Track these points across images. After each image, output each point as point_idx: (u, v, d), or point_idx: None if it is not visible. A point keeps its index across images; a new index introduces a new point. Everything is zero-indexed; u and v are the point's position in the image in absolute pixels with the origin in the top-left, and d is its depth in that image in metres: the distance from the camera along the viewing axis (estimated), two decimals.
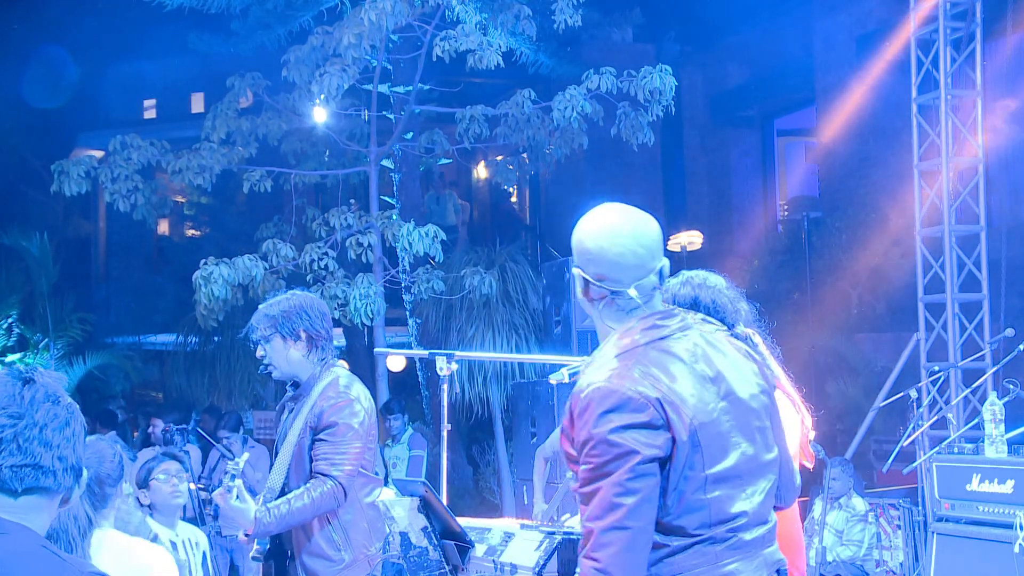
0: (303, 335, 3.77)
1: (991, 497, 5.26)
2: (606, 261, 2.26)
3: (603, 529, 2.08)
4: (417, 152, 10.86)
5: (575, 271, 2.31)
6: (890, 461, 5.90)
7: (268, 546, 3.76)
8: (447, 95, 10.72)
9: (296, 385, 3.84)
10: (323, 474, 3.61)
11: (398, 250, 9.47)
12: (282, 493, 3.73)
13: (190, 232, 17.90)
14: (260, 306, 3.92)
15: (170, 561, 3.27)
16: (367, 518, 3.76)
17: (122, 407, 12.02)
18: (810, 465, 3.02)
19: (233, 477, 3.52)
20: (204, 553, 4.47)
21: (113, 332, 14.27)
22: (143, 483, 4.46)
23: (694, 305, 2.86)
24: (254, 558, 3.77)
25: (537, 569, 3.77)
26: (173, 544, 4.34)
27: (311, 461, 3.67)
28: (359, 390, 3.76)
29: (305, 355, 3.78)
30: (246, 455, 3.84)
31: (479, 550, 3.94)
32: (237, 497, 3.52)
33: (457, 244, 11.96)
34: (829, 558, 7.07)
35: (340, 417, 3.65)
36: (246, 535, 3.66)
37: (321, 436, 3.65)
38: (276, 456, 3.79)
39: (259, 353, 3.84)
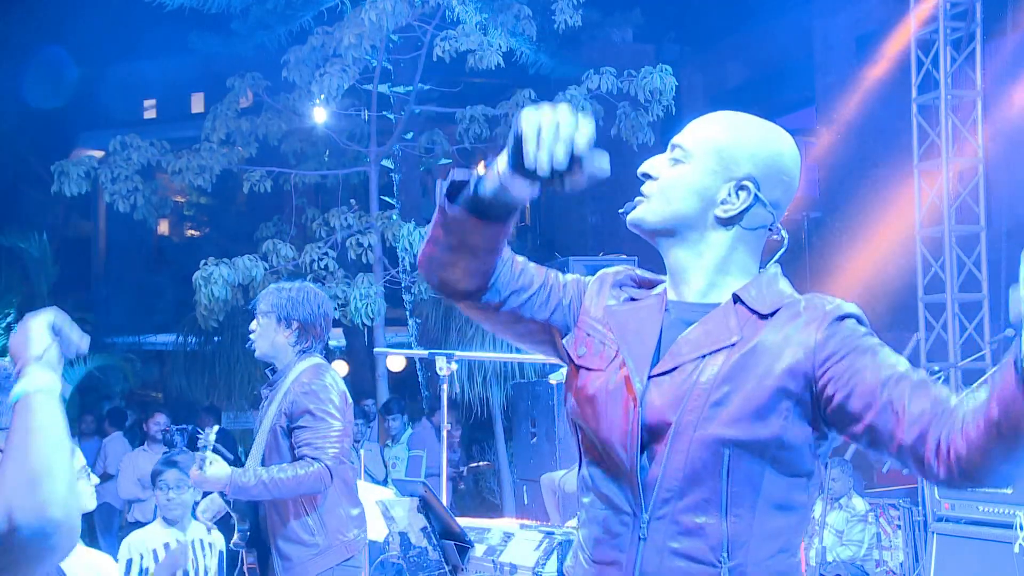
0: (295, 326, 3.78)
1: (991, 497, 5.25)
2: (791, 190, 1.80)
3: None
4: (417, 152, 10.86)
5: (745, 184, 1.75)
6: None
7: (249, 530, 3.73)
8: (447, 95, 10.71)
9: (273, 370, 3.85)
10: (310, 458, 3.60)
11: (398, 250, 9.47)
12: None
13: (190, 232, 17.92)
14: (274, 284, 3.96)
15: None
16: (343, 504, 3.74)
17: (121, 407, 12.00)
18: None
19: (204, 448, 3.53)
20: (221, 553, 4.43)
21: (113, 332, 14.26)
22: (153, 485, 4.46)
23: None
24: (235, 544, 3.74)
25: (536, 569, 3.77)
26: (169, 544, 4.30)
27: (290, 449, 3.65)
28: (332, 376, 3.76)
29: (290, 344, 3.79)
30: (216, 427, 3.81)
31: (478, 550, 3.93)
32: (209, 464, 3.52)
33: None
34: (829, 558, 7.06)
35: (315, 403, 3.63)
36: (223, 496, 3.64)
37: (300, 423, 3.63)
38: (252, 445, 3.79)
39: (252, 325, 3.85)
